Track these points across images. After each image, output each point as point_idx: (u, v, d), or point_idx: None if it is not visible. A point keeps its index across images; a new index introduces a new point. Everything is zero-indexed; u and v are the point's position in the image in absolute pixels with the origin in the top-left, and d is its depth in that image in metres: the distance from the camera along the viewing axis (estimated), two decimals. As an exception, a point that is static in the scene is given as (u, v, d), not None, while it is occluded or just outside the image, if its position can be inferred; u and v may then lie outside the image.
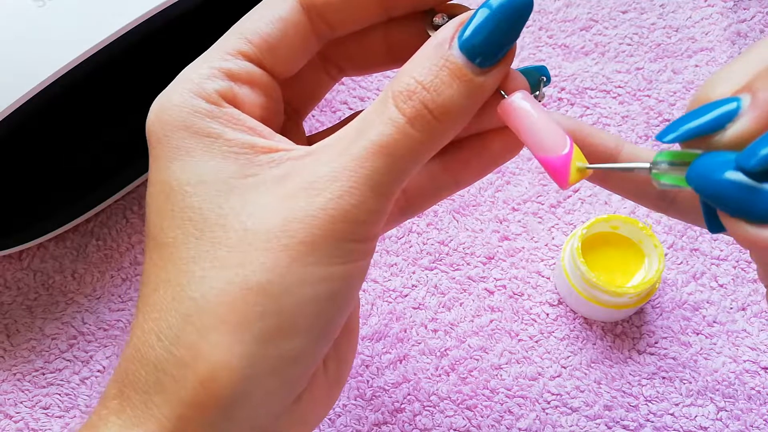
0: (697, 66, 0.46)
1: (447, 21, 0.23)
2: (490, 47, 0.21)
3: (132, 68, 0.40)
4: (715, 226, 0.21)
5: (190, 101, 0.22)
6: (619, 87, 0.46)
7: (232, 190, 0.22)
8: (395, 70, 0.27)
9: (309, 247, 0.21)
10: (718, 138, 0.19)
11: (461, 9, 0.23)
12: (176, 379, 0.21)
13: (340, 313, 0.22)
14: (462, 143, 0.26)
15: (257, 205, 0.21)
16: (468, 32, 0.21)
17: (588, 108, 0.45)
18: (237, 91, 0.23)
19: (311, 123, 0.45)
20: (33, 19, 0.33)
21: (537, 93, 0.24)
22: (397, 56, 0.26)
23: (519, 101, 0.22)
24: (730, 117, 0.19)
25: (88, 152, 0.42)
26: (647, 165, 0.21)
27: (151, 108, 0.23)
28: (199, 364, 0.20)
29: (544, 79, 0.25)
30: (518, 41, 0.46)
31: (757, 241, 0.19)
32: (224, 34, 0.24)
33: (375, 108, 0.22)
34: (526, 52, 0.47)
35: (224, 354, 0.20)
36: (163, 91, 0.23)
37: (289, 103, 0.26)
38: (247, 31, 0.23)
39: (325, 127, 0.37)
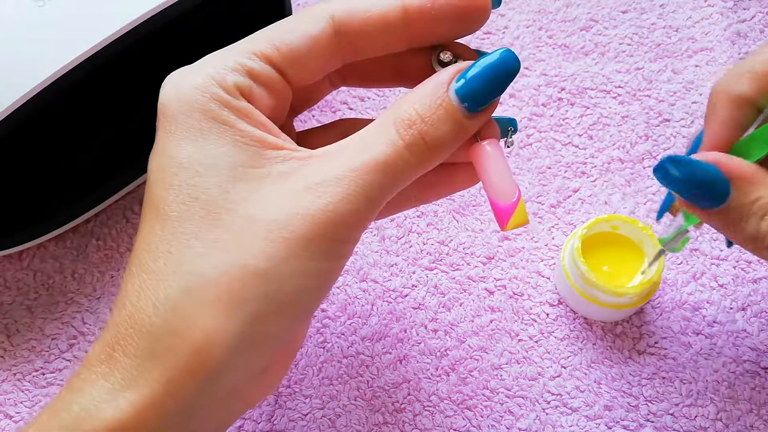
0: (697, 66, 0.46)
1: (451, 59, 0.26)
2: (480, 97, 0.24)
3: (132, 68, 0.40)
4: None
5: (210, 87, 0.24)
6: (619, 87, 0.46)
7: (240, 177, 0.24)
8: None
9: (306, 242, 0.23)
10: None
11: (466, 51, 0.27)
12: (170, 346, 0.22)
13: (317, 303, 0.25)
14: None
15: (263, 196, 0.24)
16: (462, 82, 0.24)
17: (588, 108, 0.45)
18: (254, 89, 0.25)
19: (311, 123, 0.45)
20: (33, 19, 0.34)
21: (506, 139, 0.28)
22: (401, 77, 0.28)
23: (489, 148, 0.26)
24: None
25: (88, 152, 0.42)
26: (660, 250, 0.33)
27: (167, 81, 0.25)
28: (192, 335, 0.22)
29: (512, 129, 0.28)
30: (519, 41, 0.47)
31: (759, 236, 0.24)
32: (254, 34, 0.26)
33: (378, 129, 0.25)
34: (526, 52, 0.47)
35: (217, 329, 0.22)
36: (183, 69, 0.25)
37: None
38: (277, 40, 0.25)
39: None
